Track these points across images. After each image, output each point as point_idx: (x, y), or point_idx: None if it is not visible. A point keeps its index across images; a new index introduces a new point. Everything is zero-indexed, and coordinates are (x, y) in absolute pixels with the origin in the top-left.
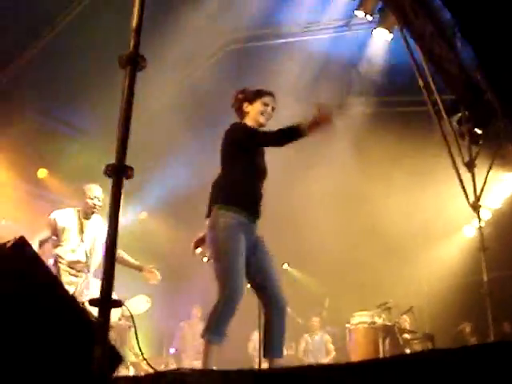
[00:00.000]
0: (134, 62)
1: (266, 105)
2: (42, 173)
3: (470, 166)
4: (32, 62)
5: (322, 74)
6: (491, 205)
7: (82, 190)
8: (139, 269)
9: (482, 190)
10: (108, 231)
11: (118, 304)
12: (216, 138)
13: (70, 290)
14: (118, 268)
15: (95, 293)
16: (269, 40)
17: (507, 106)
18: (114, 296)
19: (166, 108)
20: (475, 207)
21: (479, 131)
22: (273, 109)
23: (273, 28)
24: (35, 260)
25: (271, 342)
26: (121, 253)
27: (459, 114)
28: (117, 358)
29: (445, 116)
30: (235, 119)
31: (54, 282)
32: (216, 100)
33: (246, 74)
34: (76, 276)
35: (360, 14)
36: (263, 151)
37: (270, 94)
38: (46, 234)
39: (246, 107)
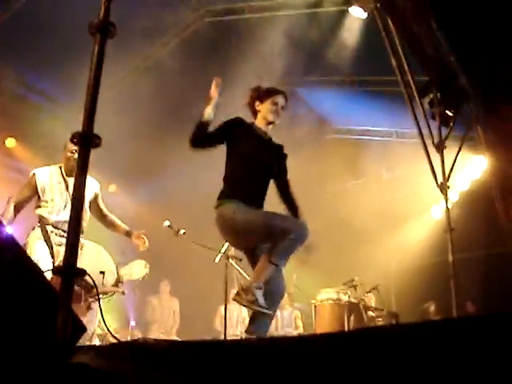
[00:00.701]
0: (104, 30)
1: (275, 104)
2: (11, 142)
3: (440, 147)
4: (4, 27)
5: (293, 50)
6: (459, 187)
7: (64, 145)
8: (128, 234)
9: (450, 171)
10: (73, 201)
11: (82, 272)
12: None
13: (61, 251)
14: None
15: (89, 255)
16: (241, 14)
17: (478, 90)
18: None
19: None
20: (443, 188)
21: (450, 113)
22: (282, 107)
23: (246, 2)
24: None
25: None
26: (110, 216)
27: (431, 96)
28: (79, 328)
29: (416, 97)
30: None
31: (17, 251)
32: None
33: (218, 49)
34: (65, 237)
35: None
36: (259, 142)
37: (280, 92)
38: (25, 193)
39: (258, 106)
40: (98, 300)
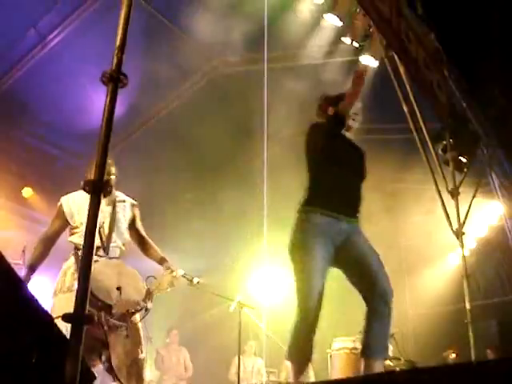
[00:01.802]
0: (116, 80)
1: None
2: (27, 192)
3: (454, 193)
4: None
5: (308, 101)
6: (476, 233)
7: (90, 166)
8: (162, 261)
9: (465, 217)
10: (84, 247)
11: (91, 320)
12: None
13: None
14: None
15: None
16: (257, 64)
17: (491, 136)
18: None
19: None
20: (458, 234)
21: (464, 159)
22: (360, 110)
23: (260, 53)
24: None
25: (369, 339)
26: (148, 240)
27: (444, 142)
28: (89, 378)
29: (429, 143)
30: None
31: (25, 295)
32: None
33: (232, 99)
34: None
35: (347, 40)
36: (345, 143)
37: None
38: (54, 225)
39: (331, 111)
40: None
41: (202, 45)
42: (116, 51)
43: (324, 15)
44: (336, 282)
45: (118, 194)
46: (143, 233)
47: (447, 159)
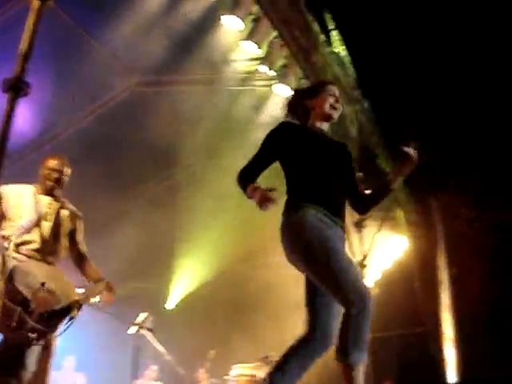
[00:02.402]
0: (17, 88)
1: (332, 95)
2: None
3: (359, 226)
4: None
5: (220, 125)
6: (382, 266)
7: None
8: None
9: (369, 249)
10: None
11: None
12: None
13: None
14: None
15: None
16: (172, 86)
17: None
18: None
19: None
20: (362, 266)
21: None
22: (338, 100)
23: (177, 74)
24: None
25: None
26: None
27: None
28: None
29: None
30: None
31: None
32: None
33: (147, 117)
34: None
35: (264, 68)
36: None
37: (333, 82)
38: None
39: (310, 103)
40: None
41: (121, 62)
42: (20, 58)
43: (242, 42)
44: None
45: (64, 201)
46: (83, 248)
47: None
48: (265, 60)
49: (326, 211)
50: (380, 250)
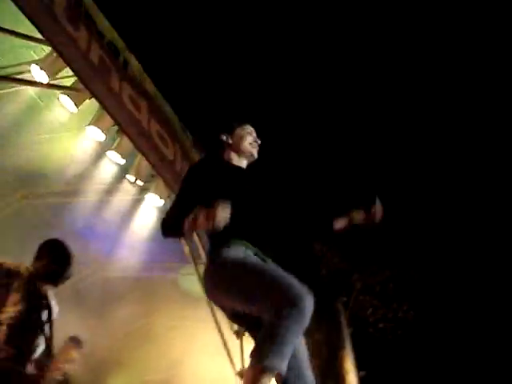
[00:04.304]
0: None
1: (250, 133)
2: None
3: (239, 334)
4: None
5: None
6: None
7: None
8: None
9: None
10: None
11: None
12: None
13: None
14: None
15: None
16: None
17: None
18: None
19: None
20: (242, 376)
21: None
22: (255, 140)
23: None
24: None
25: None
26: None
27: None
28: None
29: None
30: None
31: None
32: None
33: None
34: None
35: (131, 178)
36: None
37: (247, 121)
38: None
39: (227, 139)
40: None
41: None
42: None
43: (107, 153)
44: None
45: None
46: None
47: None
48: (132, 170)
49: (255, 248)
50: None
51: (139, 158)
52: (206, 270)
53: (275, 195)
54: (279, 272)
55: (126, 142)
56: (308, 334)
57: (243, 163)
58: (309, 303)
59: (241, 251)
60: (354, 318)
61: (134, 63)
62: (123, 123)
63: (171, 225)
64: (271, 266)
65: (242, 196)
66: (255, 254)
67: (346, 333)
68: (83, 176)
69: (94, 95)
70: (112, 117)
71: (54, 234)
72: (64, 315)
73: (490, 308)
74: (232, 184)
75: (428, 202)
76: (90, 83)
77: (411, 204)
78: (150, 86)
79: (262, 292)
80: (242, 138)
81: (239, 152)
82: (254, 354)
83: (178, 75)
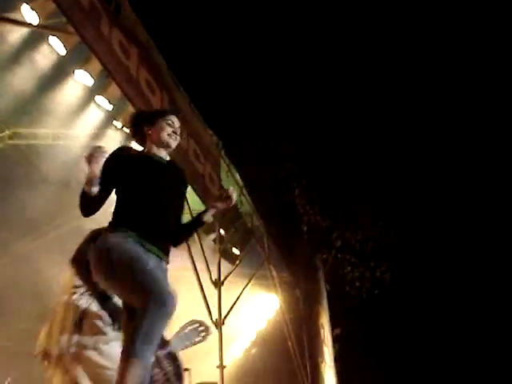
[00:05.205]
0: None
1: (170, 124)
2: None
3: (217, 283)
4: None
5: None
6: (256, 325)
7: None
8: None
9: (231, 308)
10: None
11: None
12: None
13: None
14: None
15: None
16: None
17: (270, 230)
18: None
19: None
20: (218, 325)
21: (237, 251)
22: (178, 130)
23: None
24: None
25: None
26: None
27: (215, 233)
28: None
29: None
30: None
31: None
32: None
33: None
34: None
35: (118, 124)
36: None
37: (174, 112)
38: None
39: (148, 130)
40: None
41: None
42: None
43: (95, 97)
44: None
45: None
46: None
47: (217, 250)
48: (119, 116)
49: (141, 239)
50: (250, 309)
51: (129, 105)
52: (93, 248)
53: (173, 190)
54: (154, 274)
55: (115, 88)
56: (287, 288)
57: (162, 153)
58: (173, 303)
59: (124, 240)
60: (332, 275)
61: (127, 9)
62: (111, 68)
63: (83, 204)
64: (150, 265)
65: (142, 186)
66: (140, 245)
67: (323, 289)
68: (70, 120)
69: (82, 39)
70: (100, 61)
71: (37, 175)
72: None
73: (468, 275)
74: (135, 173)
75: (410, 164)
76: (79, 27)
77: (395, 168)
78: (142, 34)
79: (134, 288)
80: (161, 129)
81: (157, 143)
82: (125, 348)
83: (174, 25)
